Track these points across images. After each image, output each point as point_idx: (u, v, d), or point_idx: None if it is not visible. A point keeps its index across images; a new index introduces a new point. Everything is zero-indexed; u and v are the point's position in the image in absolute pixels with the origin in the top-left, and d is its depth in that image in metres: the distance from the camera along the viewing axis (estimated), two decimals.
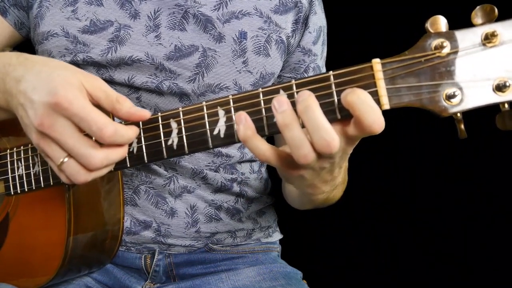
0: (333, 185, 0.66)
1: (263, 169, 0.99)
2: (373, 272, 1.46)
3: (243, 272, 0.88)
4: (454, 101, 0.50)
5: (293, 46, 0.88)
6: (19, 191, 0.74)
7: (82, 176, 0.58)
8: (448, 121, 0.54)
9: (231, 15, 0.83)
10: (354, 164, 0.80)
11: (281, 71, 0.90)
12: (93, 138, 0.58)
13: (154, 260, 0.88)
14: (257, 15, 0.84)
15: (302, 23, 0.87)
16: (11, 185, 0.75)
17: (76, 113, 0.55)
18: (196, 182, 0.88)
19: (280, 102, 0.51)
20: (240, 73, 0.83)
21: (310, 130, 0.50)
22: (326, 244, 1.49)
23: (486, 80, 0.50)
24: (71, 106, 0.55)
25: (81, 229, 0.75)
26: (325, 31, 0.94)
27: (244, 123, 0.53)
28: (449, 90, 0.50)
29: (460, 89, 0.50)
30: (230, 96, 0.58)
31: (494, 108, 0.52)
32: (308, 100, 0.50)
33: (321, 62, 0.94)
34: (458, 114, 0.51)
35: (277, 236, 1.02)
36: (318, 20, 0.90)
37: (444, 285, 1.40)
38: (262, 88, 0.57)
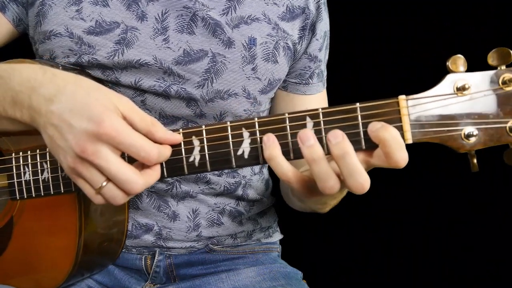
0: (340, 198, 0.70)
1: (264, 170, 1.00)
2: (373, 272, 1.46)
3: (243, 273, 0.89)
4: (471, 139, 0.55)
5: (300, 52, 0.88)
6: (25, 196, 0.73)
7: (121, 200, 0.58)
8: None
9: (240, 20, 0.82)
10: None
11: (286, 76, 0.90)
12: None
13: (155, 261, 0.89)
14: (265, 21, 0.84)
15: (309, 29, 0.87)
16: (16, 190, 0.74)
17: (123, 142, 0.55)
18: (199, 187, 0.88)
19: (307, 136, 0.54)
20: (249, 79, 0.83)
21: (346, 174, 0.54)
22: (326, 244, 1.48)
23: (501, 123, 0.54)
24: (118, 135, 0.54)
25: (90, 235, 0.75)
26: (328, 34, 0.94)
27: (271, 143, 0.57)
28: (468, 129, 0.55)
29: (478, 129, 0.55)
30: (256, 119, 0.60)
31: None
32: (344, 145, 0.53)
33: (324, 66, 0.95)
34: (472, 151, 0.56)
35: (277, 236, 1.03)
36: (324, 26, 0.90)
37: (444, 285, 1.42)
38: (288, 114, 0.59)
